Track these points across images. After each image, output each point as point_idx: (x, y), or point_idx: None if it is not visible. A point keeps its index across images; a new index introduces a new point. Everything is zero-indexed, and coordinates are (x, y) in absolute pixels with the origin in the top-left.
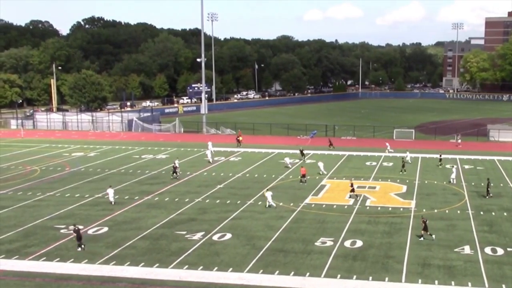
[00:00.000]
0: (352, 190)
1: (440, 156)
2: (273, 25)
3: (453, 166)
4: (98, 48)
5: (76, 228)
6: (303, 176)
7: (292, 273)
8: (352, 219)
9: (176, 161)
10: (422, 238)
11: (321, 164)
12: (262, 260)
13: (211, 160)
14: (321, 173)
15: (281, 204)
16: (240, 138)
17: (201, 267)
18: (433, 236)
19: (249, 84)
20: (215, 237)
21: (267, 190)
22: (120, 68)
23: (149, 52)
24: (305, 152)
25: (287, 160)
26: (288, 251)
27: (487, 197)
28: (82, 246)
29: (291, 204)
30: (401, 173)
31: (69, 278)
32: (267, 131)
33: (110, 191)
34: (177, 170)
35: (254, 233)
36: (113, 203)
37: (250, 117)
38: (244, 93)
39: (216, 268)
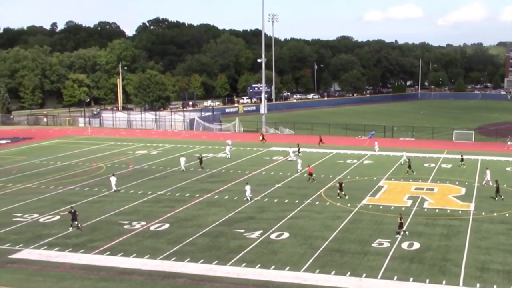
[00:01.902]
0: (341, 189)
1: (462, 156)
2: (333, 26)
3: (487, 168)
4: (162, 49)
5: (72, 210)
6: (310, 174)
7: (349, 273)
8: (410, 221)
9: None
10: (399, 235)
11: (299, 161)
12: (318, 260)
13: (229, 156)
14: (299, 171)
15: (338, 204)
16: (263, 137)
17: (258, 265)
18: (407, 232)
19: (308, 84)
20: (272, 236)
21: (247, 183)
22: (183, 68)
23: (211, 53)
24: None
25: (290, 151)
26: (344, 252)
27: (496, 198)
28: (76, 225)
29: (348, 204)
30: (407, 174)
31: (132, 273)
32: (326, 131)
33: (113, 179)
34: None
35: (311, 232)
36: (114, 190)
37: (308, 117)
38: (297, 96)
39: (273, 266)
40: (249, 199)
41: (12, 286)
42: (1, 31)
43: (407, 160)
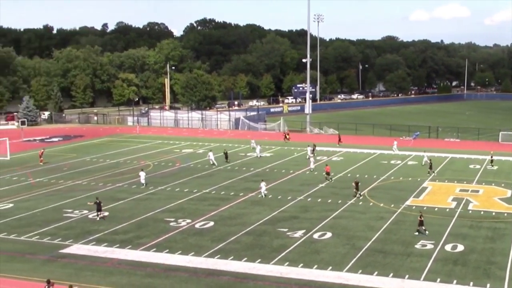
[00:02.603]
0: (357, 189)
1: (491, 157)
2: (379, 26)
3: None
4: (209, 49)
5: (98, 201)
6: (328, 173)
7: (391, 274)
8: (454, 223)
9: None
10: (417, 233)
11: (258, 148)
12: (361, 260)
13: (259, 156)
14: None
15: (381, 205)
16: (288, 136)
17: (301, 265)
18: (427, 232)
19: (353, 84)
20: (315, 236)
21: (262, 180)
22: (229, 68)
23: (257, 53)
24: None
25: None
26: (387, 252)
27: None
28: (100, 215)
29: (392, 205)
30: (428, 174)
31: (177, 269)
32: (370, 132)
33: (142, 174)
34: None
35: (354, 233)
36: (143, 184)
37: (353, 117)
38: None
39: (316, 266)
40: (263, 196)
41: (62, 281)
42: (55, 32)
43: (428, 161)
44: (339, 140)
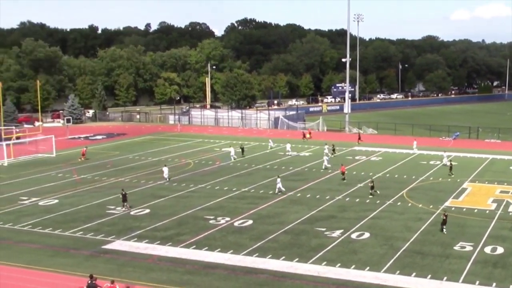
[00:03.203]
0: (372, 188)
1: None
2: (419, 25)
3: None
4: (250, 48)
5: (123, 193)
6: (343, 173)
7: (429, 276)
8: (494, 225)
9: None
10: (444, 231)
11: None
12: (399, 261)
13: (291, 154)
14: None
15: (420, 205)
16: (308, 136)
17: (339, 264)
18: (445, 231)
19: (393, 84)
20: (353, 235)
21: (278, 177)
22: (269, 68)
23: (297, 52)
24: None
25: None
26: (426, 254)
27: None
28: (126, 206)
29: (431, 206)
30: (450, 175)
31: (216, 267)
32: (409, 132)
33: (165, 169)
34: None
35: (392, 233)
36: (168, 179)
37: (392, 117)
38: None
39: (353, 266)
40: (276, 191)
41: (105, 276)
42: (99, 32)
43: (448, 162)
44: (359, 138)
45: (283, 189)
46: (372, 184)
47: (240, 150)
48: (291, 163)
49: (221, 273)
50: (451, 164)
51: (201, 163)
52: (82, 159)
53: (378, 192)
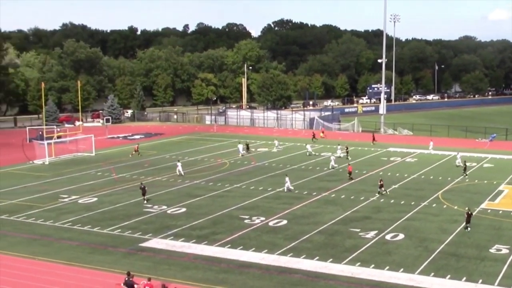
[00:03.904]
0: (381, 187)
1: None
2: (456, 25)
3: None
4: (286, 49)
5: (142, 186)
6: (350, 173)
7: (464, 278)
8: None
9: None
10: (468, 229)
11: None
12: (433, 263)
13: (312, 153)
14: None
15: (455, 207)
16: (322, 134)
17: (372, 265)
18: (469, 229)
19: (429, 85)
20: (388, 237)
21: (286, 175)
22: (305, 68)
23: (333, 53)
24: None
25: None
26: (461, 256)
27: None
28: (144, 199)
29: (466, 208)
30: (463, 176)
31: (250, 266)
32: (445, 133)
33: (179, 164)
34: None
35: (427, 235)
36: (182, 174)
37: (428, 118)
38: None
39: (387, 267)
40: (285, 190)
41: (141, 273)
42: (139, 33)
43: (462, 164)
44: (373, 139)
45: (292, 187)
46: (381, 183)
47: (245, 146)
48: (326, 163)
49: (255, 272)
50: (465, 164)
51: (237, 163)
52: (134, 154)
53: (388, 192)
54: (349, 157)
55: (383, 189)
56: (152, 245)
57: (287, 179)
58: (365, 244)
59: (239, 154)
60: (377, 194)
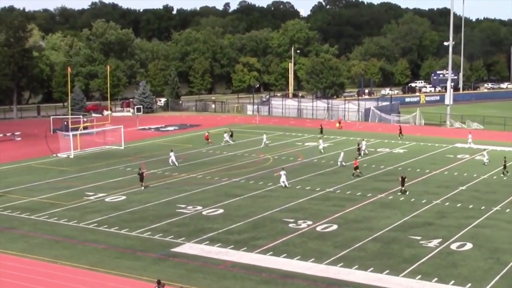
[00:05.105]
0: (402, 184)
1: None
2: None
3: None
4: (338, 30)
5: (140, 172)
6: (356, 168)
7: None
8: None
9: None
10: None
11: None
12: (506, 278)
13: (321, 151)
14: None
15: None
16: (338, 125)
17: (435, 279)
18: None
19: (503, 71)
20: (453, 246)
21: (283, 169)
22: (360, 52)
23: (392, 35)
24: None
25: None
26: None
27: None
28: (142, 184)
29: None
30: (503, 176)
31: (294, 276)
32: None
33: (172, 154)
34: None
35: (499, 245)
36: (176, 164)
37: (501, 109)
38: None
39: (452, 281)
40: (283, 186)
41: (173, 282)
42: (174, 12)
43: (486, 160)
44: (400, 131)
45: (287, 184)
46: (403, 176)
47: (230, 132)
48: (382, 161)
49: (301, 283)
50: (504, 161)
51: (281, 159)
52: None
53: (407, 192)
54: (362, 152)
55: (403, 187)
56: (185, 251)
57: (282, 172)
58: (426, 254)
59: (225, 143)
60: (399, 193)
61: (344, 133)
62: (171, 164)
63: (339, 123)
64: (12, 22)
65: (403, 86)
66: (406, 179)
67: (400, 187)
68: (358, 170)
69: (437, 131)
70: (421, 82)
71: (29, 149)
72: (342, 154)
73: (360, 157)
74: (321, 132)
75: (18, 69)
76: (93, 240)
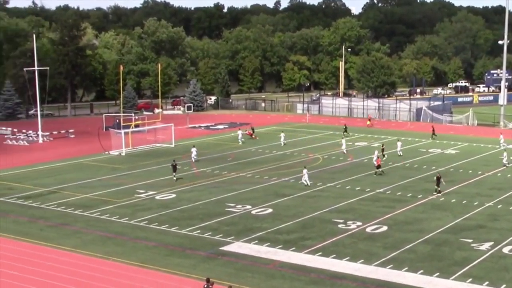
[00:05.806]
0: (438, 184)
1: None
2: None
3: None
4: (390, 28)
5: (174, 163)
6: (378, 167)
7: None
8: None
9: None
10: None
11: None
12: None
13: (344, 152)
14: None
15: None
16: (368, 122)
17: (486, 283)
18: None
19: None
20: (505, 250)
21: (305, 167)
22: (412, 51)
23: (445, 33)
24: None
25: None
26: None
27: None
28: (175, 176)
29: None
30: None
31: (343, 277)
32: None
33: (194, 150)
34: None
35: None
36: (193, 160)
37: None
38: None
39: (504, 285)
40: (305, 184)
41: (222, 280)
42: (225, 10)
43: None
44: (433, 131)
45: (309, 182)
46: (438, 176)
47: (252, 129)
48: (434, 162)
49: (350, 284)
50: None
51: (331, 158)
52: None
53: (441, 193)
54: (384, 156)
55: (438, 187)
56: (234, 250)
57: (305, 171)
58: (478, 257)
59: (239, 143)
60: (434, 193)
61: (396, 133)
62: (193, 160)
63: (369, 120)
64: (66, 21)
65: (456, 85)
66: (441, 179)
67: (435, 187)
68: (380, 169)
69: (490, 132)
70: (463, 82)
71: (82, 147)
72: (376, 153)
73: (384, 157)
74: (345, 131)
75: (72, 68)
76: (144, 237)
